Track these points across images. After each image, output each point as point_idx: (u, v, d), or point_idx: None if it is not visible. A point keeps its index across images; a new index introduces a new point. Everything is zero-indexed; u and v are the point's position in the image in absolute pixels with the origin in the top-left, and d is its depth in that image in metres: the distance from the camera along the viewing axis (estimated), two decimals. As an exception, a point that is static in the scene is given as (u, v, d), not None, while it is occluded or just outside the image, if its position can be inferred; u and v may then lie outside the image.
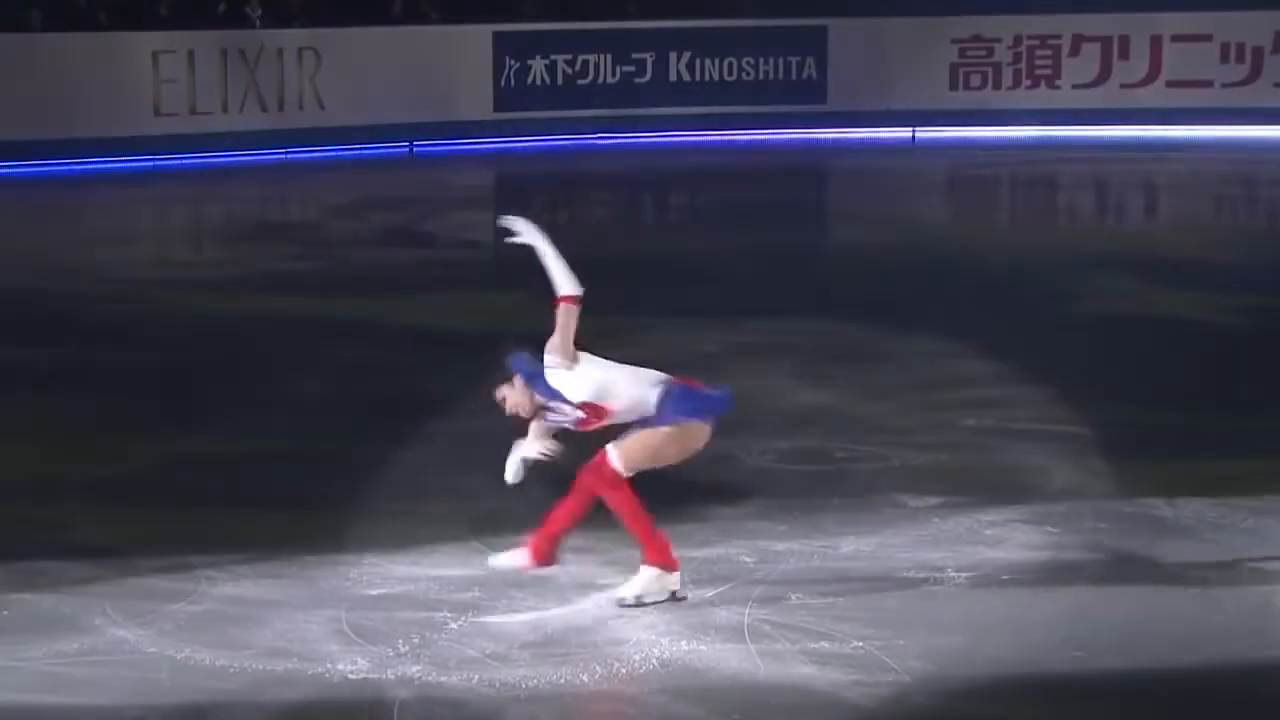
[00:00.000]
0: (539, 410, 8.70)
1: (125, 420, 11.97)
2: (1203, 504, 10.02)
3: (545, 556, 8.77)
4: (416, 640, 8.21)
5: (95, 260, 18.03)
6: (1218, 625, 8.48)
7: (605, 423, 8.70)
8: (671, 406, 8.64)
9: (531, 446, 8.76)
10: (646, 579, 8.69)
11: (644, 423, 8.65)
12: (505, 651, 8.11)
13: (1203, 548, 9.41)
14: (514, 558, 8.78)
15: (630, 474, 8.61)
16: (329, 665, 7.95)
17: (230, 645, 8.14)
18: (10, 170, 22.42)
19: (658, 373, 8.76)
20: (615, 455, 8.63)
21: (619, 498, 8.63)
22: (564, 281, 8.67)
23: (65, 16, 24.35)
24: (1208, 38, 25.96)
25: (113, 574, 9.02)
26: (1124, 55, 26.20)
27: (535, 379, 8.64)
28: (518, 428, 8.76)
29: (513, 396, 8.65)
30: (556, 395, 8.66)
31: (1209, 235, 19.91)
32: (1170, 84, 26.02)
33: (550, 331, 8.63)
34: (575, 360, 8.68)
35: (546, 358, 8.67)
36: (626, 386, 8.69)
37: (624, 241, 18.24)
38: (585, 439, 8.73)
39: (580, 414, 8.66)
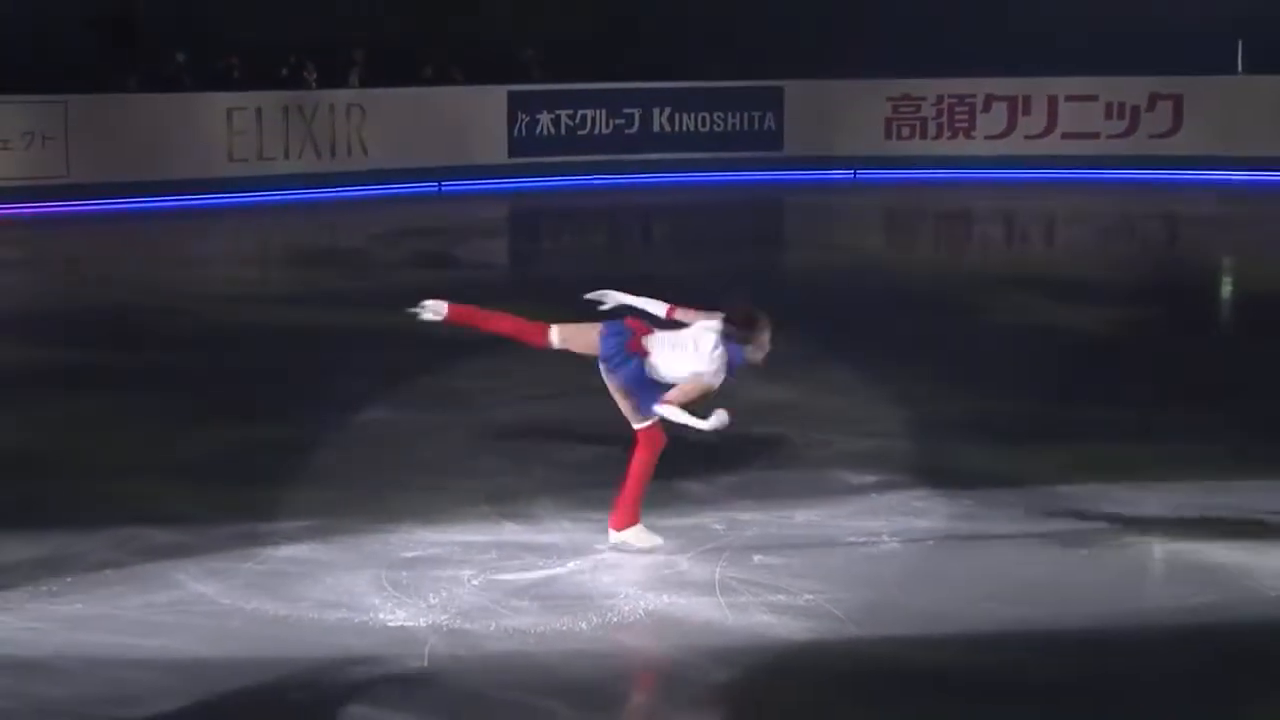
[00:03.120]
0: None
1: (203, 412, 11.95)
2: (1090, 481, 10.04)
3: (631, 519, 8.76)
4: (444, 594, 8.19)
5: (178, 280, 18.03)
6: (1102, 581, 8.50)
7: None
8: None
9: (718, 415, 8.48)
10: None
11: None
12: (518, 604, 8.09)
13: (1090, 517, 9.41)
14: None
15: None
16: (372, 615, 7.94)
17: (290, 598, 8.14)
18: (109, 206, 22.39)
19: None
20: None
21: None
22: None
23: (156, 80, 24.39)
24: (1094, 98, 26.01)
25: (193, 539, 9.01)
26: (1027, 112, 26.23)
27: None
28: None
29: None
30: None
31: (1096, 259, 19.93)
32: (1064, 135, 26.06)
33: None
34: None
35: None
36: None
37: (615, 263, 18.19)
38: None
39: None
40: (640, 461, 8.71)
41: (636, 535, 8.76)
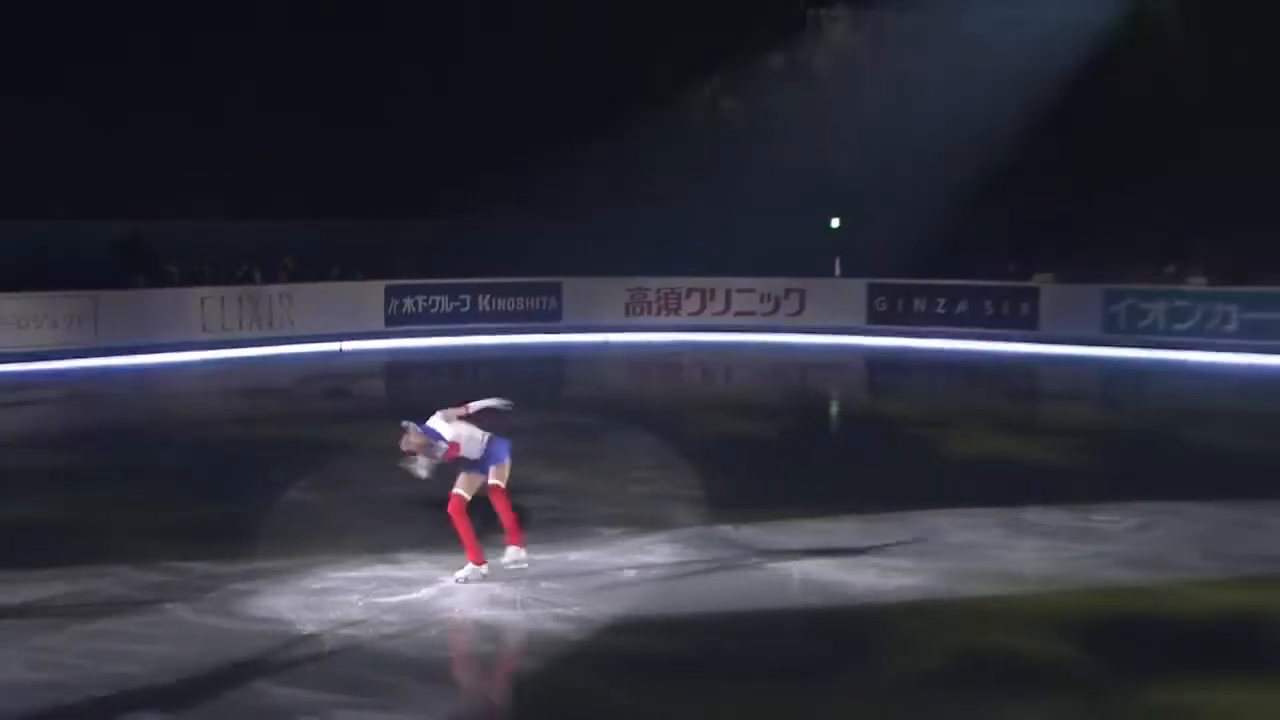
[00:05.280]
0: (426, 447, 8.52)
1: (173, 496, 11.59)
2: (760, 529, 10.15)
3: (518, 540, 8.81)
4: (340, 612, 8.11)
5: (166, 409, 17.53)
6: (754, 593, 8.64)
7: (457, 455, 8.59)
8: (489, 459, 8.69)
9: (424, 464, 8.59)
10: (469, 569, 8.68)
11: (471, 466, 8.62)
12: (388, 619, 8.02)
13: (754, 552, 9.54)
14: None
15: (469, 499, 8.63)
16: (291, 627, 7.83)
17: (237, 617, 8.00)
18: (120, 364, 21.72)
19: (484, 433, 8.79)
20: (462, 491, 8.61)
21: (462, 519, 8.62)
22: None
23: (155, 279, 23.99)
24: (753, 290, 26.58)
25: (172, 579, 8.80)
26: (713, 298, 26.67)
27: (427, 429, 8.52)
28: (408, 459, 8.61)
29: (413, 440, 8.49)
30: (438, 436, 8.51)
31: (758, 391, 20.25)
32: (736, 313, 26.55)
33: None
34: (450, 421, 8.63)
35: (437, 416, 8.62)
36: (470, 438, 8.67)
37: (451, 394, 18.11)
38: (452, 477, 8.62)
39: (445, 447, 8.54)
40: (503, 504, 8.74)
41: (513, 554, 8.82)
